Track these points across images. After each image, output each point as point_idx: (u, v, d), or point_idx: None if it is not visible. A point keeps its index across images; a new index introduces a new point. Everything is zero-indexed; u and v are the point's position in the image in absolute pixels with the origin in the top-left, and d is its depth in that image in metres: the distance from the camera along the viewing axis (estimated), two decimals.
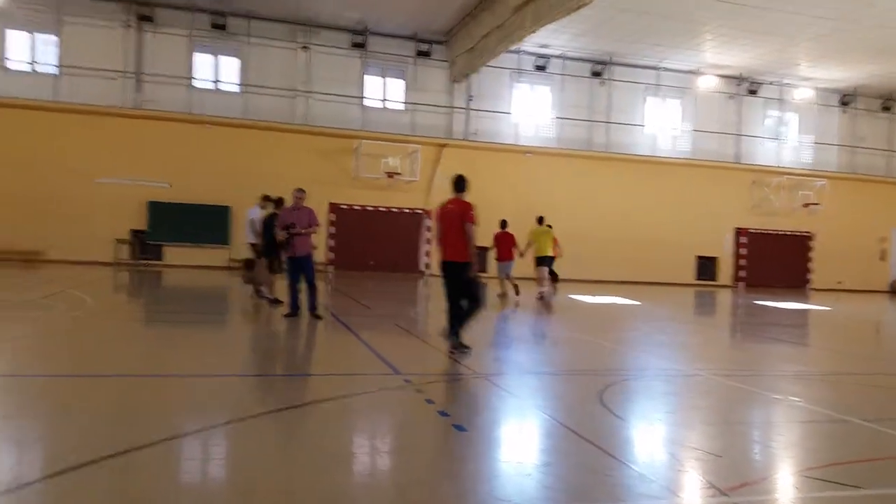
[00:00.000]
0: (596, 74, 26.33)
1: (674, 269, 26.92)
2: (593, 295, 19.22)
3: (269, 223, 11.66)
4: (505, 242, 16.12)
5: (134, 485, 3.62)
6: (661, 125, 27.41)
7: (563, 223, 23.90)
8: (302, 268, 10.45)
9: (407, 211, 24.61)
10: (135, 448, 4.08)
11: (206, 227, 22.47)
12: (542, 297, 15.32)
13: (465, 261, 7.63)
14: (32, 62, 22.12)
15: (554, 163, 25.65)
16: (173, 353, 7.73)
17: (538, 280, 15.95)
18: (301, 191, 10.72)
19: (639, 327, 12.97)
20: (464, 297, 7.73)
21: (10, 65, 21.83)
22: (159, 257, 22.52)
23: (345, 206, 23.91)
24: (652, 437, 5.10)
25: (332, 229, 23.63)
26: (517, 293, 15.58)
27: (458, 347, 7.76)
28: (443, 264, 7.83)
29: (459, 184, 8.01)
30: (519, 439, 4.97)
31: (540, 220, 16.31)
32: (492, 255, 17.00)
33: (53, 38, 21.93)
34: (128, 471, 3.79)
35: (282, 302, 11.45)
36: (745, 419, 5.88)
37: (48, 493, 3.44)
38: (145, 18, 22.29)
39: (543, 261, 15.96)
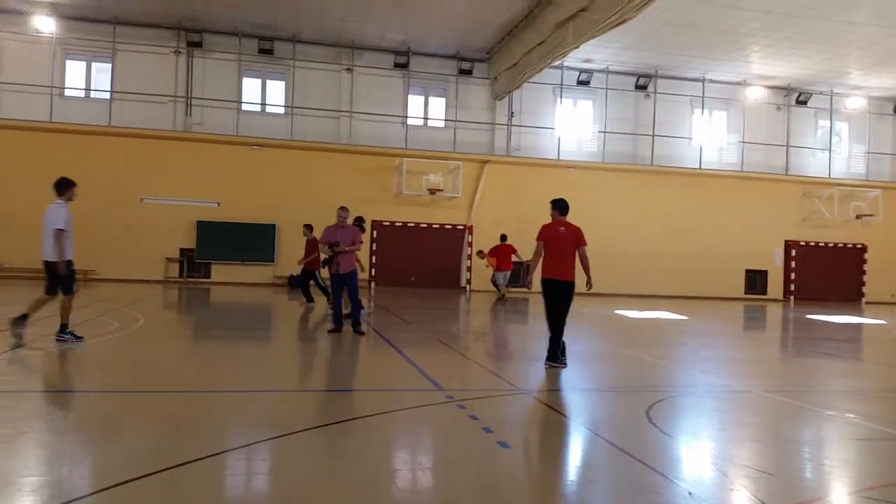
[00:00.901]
0: (640, 88, 26.11)
1: (722, 282, 26.36)
2: (639, 310, 18.93)
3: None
4: (504, 253, 18.99)
5: (183, 500, 3.69)
6: (708, 137, 26.96)
7: (607, 237, 23.72)
8: (346, 284, 10.61)
9: (448, 227, 24.68)
10: (184, 462, 4.18)
11: (253, 245, 22.92)
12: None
13: (573, 280, 8.32)
14: (88, 89, 23.02)
15: (597, 177, 25.46)
16: (220, 369, 7.89)
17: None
18: (344, 209, 10.89)
19: (686, 342, 12.71)
20: (565, 315, 8.34)
21: (67, 92, 22.75)
22: (207, 275, 23.03)
23: (387, 223, 24.12)
24: (701, 454, 4.99)
25: (374, 246, 23.87)
26: (503, 300, 18.81)
27: (558, 360, 8.30)
28: (550, 282, 8.35)
29: (564, 207, 8.62)
30: (564, 456, 4.92)
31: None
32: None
33: (107, 65, 22.79)
34: (177, 485, 3.88)
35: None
36: (798, 436, 5.71)
37: None
38: (195, 44, 23.00)
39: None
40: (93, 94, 22.97)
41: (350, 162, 23.73)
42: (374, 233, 23.90)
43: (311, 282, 15.58)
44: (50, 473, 4.04)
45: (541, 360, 8.40)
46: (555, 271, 8.33)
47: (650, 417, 5.89)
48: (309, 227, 15.50)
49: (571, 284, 8.33)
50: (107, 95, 22.66)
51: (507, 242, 19.20)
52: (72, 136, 21.91)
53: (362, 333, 10.52)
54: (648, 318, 17.13)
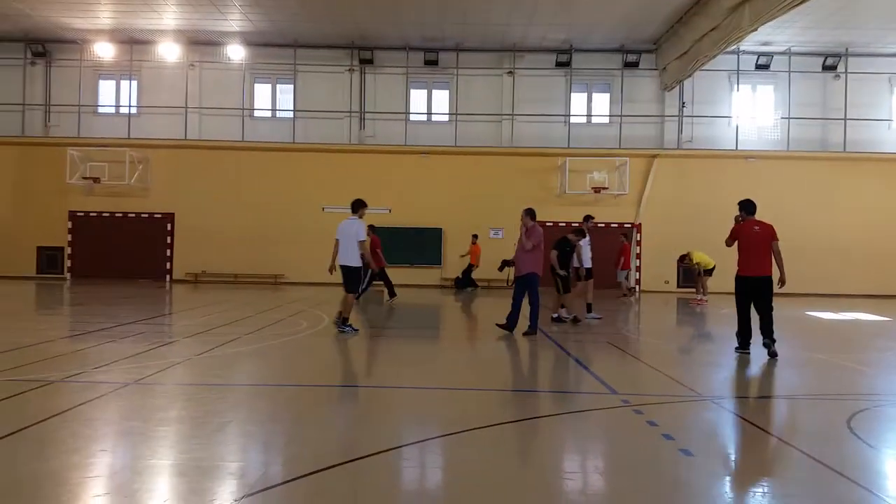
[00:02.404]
0: (829, 68, 23.80)
1: None
2: (833, 311, 17.24)
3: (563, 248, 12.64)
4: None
5: (365, 491, 3.89)
6: None
7: (795, 232, 21.78)
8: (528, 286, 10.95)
9: (615, 225, 23.99)
10: (365, 455, 4.41)
11: (421, 248, 23.74)
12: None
13: (770, 275, 8.90)
14: (274, 109, 25.13)
15: (782, 167, 23.55)
16: (398, 366, 8.24)
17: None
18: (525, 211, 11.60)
19: (890, 346, 11.38)
20: (767, 308, 8.84)
21: (256, 113, 24.97)
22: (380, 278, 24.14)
23: (550, 224, 23.91)
24: None
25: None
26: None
27: (769, 347, 8.80)
28: (746, 279, 8.93)
29: (753, 207, 9.29)
30: (754, 467, 4.58)
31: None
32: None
33: (290, 86, 24.74)
34: (359, 477, 4.09)
35: (579, 320, 12.79)
36: None
37: (289, 496, 3.82)
38: (366, 61, 24.31)
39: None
40: (278, 114, 25.03)
41: (513, 164, 23.86)
42: (622, 236, 23.76)
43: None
44: (249, 460, 4.43)
45: (723, 365, 7.93)
46: (752, 268, 8.88)
47: (852, 428, 5.35)
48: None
49: (769, 279, 8.87)
50: (290, 114, 24.58)
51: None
52: (261, 153, 24.05)
53: (534, 333, 10.71)
54: (845, 319, 15.56)
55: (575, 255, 13.02)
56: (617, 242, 20.79)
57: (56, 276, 23.96)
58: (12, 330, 10.99)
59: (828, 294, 22.56)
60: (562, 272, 12.36)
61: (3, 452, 4.39)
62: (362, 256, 10.69)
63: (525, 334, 10.63)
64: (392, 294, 17.71)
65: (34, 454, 4.32)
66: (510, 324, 10.86)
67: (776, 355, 8.71)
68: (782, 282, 8.95)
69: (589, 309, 13.84)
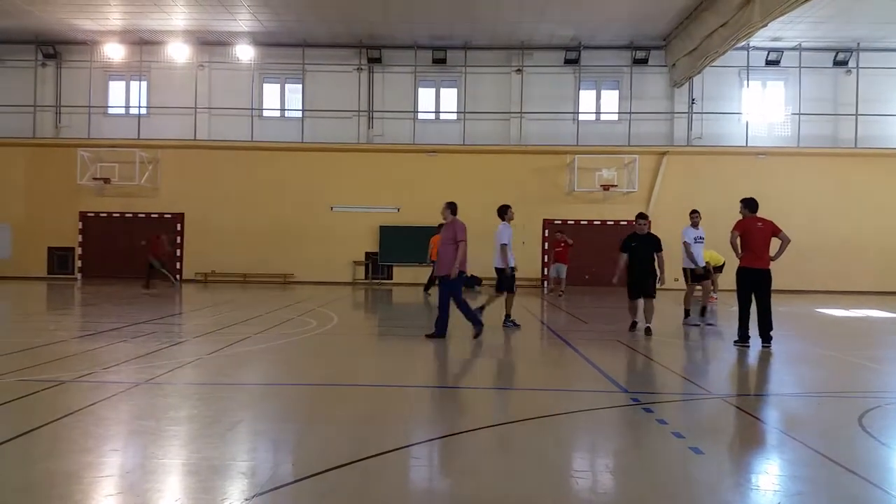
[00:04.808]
0: (840, 63, 23.63)
1: None
2: (844, 308, 17.13)
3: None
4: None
5: (375, 490, 3.90)
6: None
7: (806, 228, 21.74)
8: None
9: (624, 223, 23.88)
10: (375, 454, 4.42)
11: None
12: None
13: (769, 268, 9.38)
14: (282, 109, 25.18)
15: (792, 163, 23.41)
16: (405, 365, 8.25)
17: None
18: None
19: None
20: (766, 303, 9.34)
21: (265, 113, 25.03)
22: (390, 276, 24.23)
23: (558, 221, 23.88)
24: None
25: (546, 245, 23.74)
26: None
27: (746, 341, 9.45)
28: (747, 271, 9.43)
29: (754, 205, 9.67)
30: (765, 465, 4.56)
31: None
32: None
33: (298, 86, 24.78)
34: (369, 476, 4.10)
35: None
36: None
37: (300, 495, 3.84)
38: (374, 60, 24.33)
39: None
40: (287, 114, 25.08)
41: (521, 162, 23.84)
42: (546, 231, 23.78)
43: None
44: (259, 460, 4.45)
45: (732, 362, 7.89)
46: (754, 261, 9.37)
47: (863, 425, 5.31)
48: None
49: (768, 273, 9.36)
50: (299, 114, 24.63)
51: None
52: (270, 152, 24.12)
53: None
54: (856, 316, 15.45)
55: (686, 256, 12.27)
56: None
57: (67, 277, 24.13)
58: (24, 330, 11.08)
59: (838, 291, 22.43)
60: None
61: (17, 452, 4.43)
62: (505, 259, 11.22)
63: (428, 336, 10.00)
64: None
65: (47, 453, 4.36)
66: (438, 330, 10.02)
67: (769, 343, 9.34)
68: (772, 258, 9.43)
69: (687, 314, 12.61)
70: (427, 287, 20.37)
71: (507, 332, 11.09)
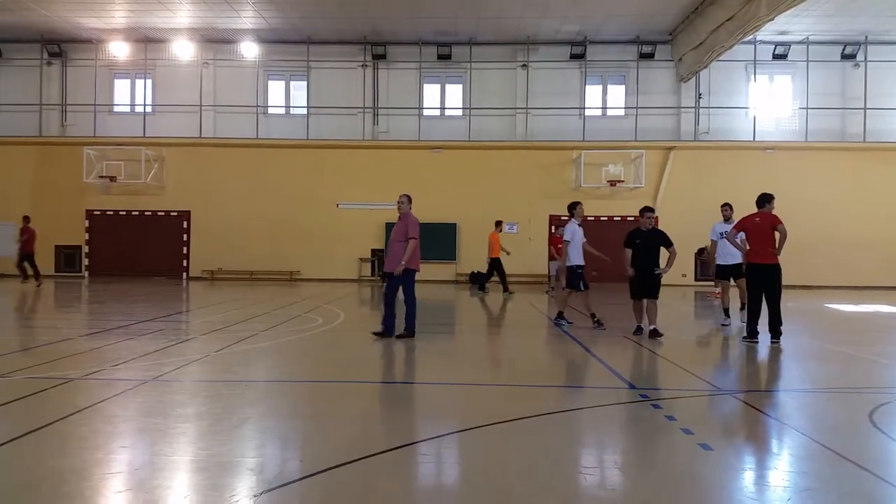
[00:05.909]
0: (848, 57, 23.48)
1: None
2: (853, 303, 17.04)
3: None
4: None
5: (382, 486, 3.89)
6: None
7: (814, 223, 21.68)
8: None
9: (631, 219, 23.79)
10: (383, 451, 4.41)
11: (436, 243, 23.64)
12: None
13: (774, 263, 9.31)
14: (287, 106, 25.18)
15: (800, 158, 23.29)
16: (412, 362, 8.24)
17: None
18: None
19: None
20: (775, 298, 9.31)
21: (270, 110, 25.05)
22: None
23: (565, 217, 23.77)
24: None
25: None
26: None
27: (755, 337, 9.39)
28: (754, 266, 9.51)
29: (760, 200, 9.75)
30: (774, 461, 4.54)
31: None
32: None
33: (303, 83, 24.77)
34: (376, 472, 4.10)
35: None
36: None
37: (307, 491, 3.83)
38: (379, 57, 24.29)
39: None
40: (292, 111, 25.08)
41: (527, 158, 23.78)
42: (553, 227, 23.72)
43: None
44: (267, 456, 4.45)
45: (740, 358, 7.85)
46: (759, 256, 9.45)
47: (874, 421, 5.28)
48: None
49: (775, 267, 9.33)
50: (304, 111, 24.63)
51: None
52: (275, 150, 24.13)
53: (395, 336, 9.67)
54: (865, 311, 15.38)
55: (718, 252, 11.81)
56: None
57: (74, 275, 24.21)
58: (32, 328, 11.13)
59: (847, 286, 22.33)
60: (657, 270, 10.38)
61: (26, 449, 4.44)
62: (566, 257, 11.42)
63: (399, 337, 9.58)
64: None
65: (56, 451, 4.36)
66: (387, 329, 9.66)
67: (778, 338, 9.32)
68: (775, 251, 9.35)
69: (726, 314, 11.77)
70: (481, 286, 19.92)
71: (559, 328, 11.22)
